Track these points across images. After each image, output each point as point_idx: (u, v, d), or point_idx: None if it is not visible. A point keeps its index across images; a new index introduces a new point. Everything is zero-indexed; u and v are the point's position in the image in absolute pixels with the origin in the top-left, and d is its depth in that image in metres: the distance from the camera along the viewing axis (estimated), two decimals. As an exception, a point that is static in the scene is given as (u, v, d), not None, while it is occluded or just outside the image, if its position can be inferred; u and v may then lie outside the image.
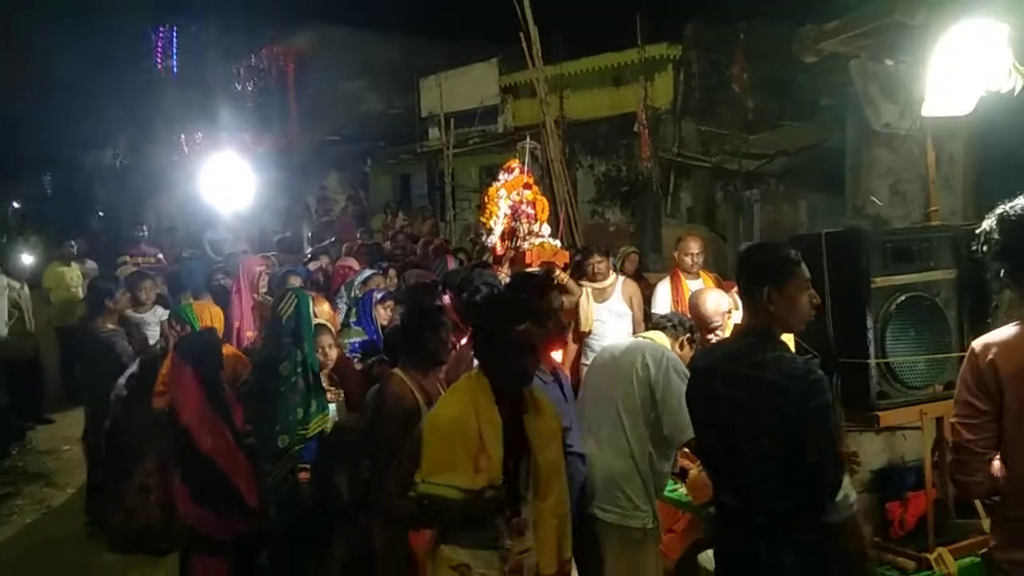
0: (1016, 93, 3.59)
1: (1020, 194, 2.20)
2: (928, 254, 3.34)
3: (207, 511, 4.01)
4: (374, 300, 5.24)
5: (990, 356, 2.25)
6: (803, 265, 2.51)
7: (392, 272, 6.66)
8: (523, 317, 2.70)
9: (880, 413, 3.19)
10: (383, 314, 5.20)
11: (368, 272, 6.36)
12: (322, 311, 4.82)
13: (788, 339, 3.06)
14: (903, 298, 3.23)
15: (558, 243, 6.13)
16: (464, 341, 3.93)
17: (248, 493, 3.99)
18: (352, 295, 5.70)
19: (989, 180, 7.27)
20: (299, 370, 4.04)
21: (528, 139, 7.05)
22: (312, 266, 7.69)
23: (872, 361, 3.17)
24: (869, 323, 3.18)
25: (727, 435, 2.50)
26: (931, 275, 3.32)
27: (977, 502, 3.29)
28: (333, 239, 11.47)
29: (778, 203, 10.59)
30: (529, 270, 5.34)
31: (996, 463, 2.28)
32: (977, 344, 2.31)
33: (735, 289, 4.35)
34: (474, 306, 4.16)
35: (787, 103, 12.23)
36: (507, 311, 2.76)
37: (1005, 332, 2.25)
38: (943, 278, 3.35)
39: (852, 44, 4.20)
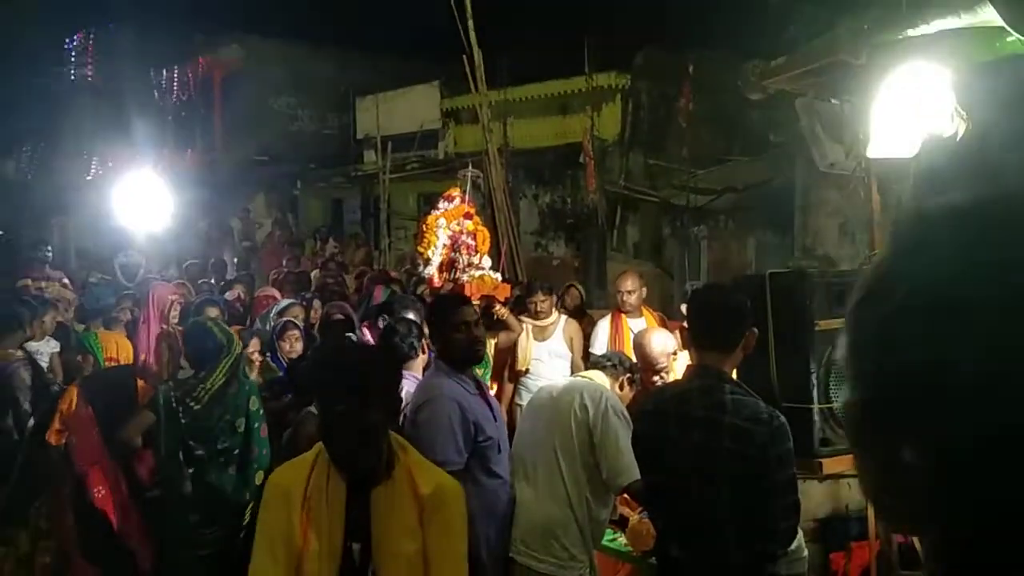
0: (959, 137, 3.79)
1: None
2: (872, 297, 3.45)
3: (95, 570, 3.86)
4: (275, 332, 5.18)
5: None
6: None
7: (317, 304, 6.57)
8: (328, 387, 2.23)
9: (823, 460, 3.27)
10: (285, 348, 5.13)
11: (286, 302, 6.25)
12: None
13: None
14: (847, 341, 3.33)
15: (499, 276, 6.16)
16: None
17: (142, 555, 3.84)
18: (268, 327, 5.61)
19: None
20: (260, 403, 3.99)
21: (470, 166, 7.09)
22: (229, 295, 7.54)
23: (816, 406, 3.26)
24: (813, 367, 3.27)
25: (679, 482, 2.52)
26: (875, 319, 3.44)
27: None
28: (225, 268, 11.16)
29: (726, 240, 10.86)
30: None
31: None
32: None
33: (678, 329, 4.45)
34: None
35: (736, 138, 12.61)
36: (314, 375, 2.40)
37: None
38: (887, 322, 3.47)
39: (798, 82, 4.38)
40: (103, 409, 3.97)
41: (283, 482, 2.29)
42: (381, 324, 4.93)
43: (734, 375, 2.79)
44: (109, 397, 4.03)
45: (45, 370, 5.55)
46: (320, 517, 2.19)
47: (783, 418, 2.42)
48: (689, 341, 2.70)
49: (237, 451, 3.88)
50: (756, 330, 2.60)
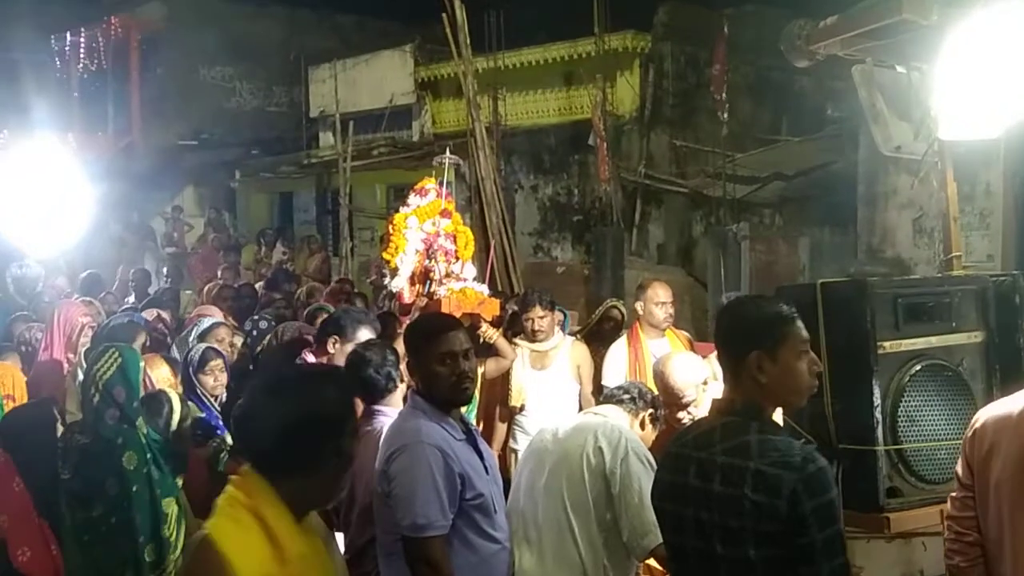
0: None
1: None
2: (949, 311, 3.50)
3: None
4: (191, 363, 5.19)
5: (977, 425, 2.61)
6: (799, 323, 2.60)
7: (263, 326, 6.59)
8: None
9: (891, 515, 3.30)
10: (208, 383, 5.16)
11: (208, 321, 6.25)
12: (160, 376, 4.76)
13: (777, 419, 3.17)
14: (919, 367, 3.38)
15: (485, 289, 6.19)
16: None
17: None
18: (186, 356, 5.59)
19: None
20: (148, 456, 3.98)
21: (450, 151, 7.13)
22: (148, 314, 7.53)
23: (880, 448, 3.29)
24: (876, 399, 3.31)
25: (701, 541, 2.56)
26: (953, 338, 3.48)
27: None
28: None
29: (772, 241, 10.89)
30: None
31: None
32: (981, 410, 2.65)
33: (713, 353, 4.49)
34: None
35: (785, 113, 12.69)
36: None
37: (1008, 403, 2.48)
38: (968, 342, 3.51)
39: (854, 46, 4.42)
40: (25, 456, 4.00)
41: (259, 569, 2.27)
42: (332, 347, 4.94)
43: (778, 412, 2.84)
44: (30, 440, 4.06)
45: None
46: None
47: (822, 462, 2.42)
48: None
49: (114, 520, 3.87)
50: (761, 354, 2.59)
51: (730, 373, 2.63)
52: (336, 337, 4.95)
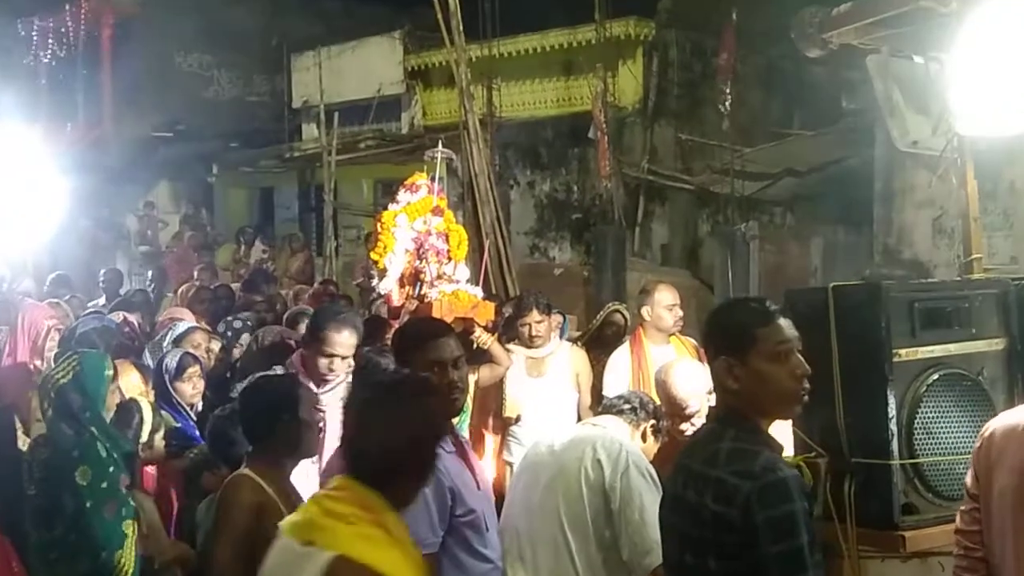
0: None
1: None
2: (969, 317, 3.50)
3: None
4: (167, 370, 5.18)
5: (987, 434, 2.80)
6: (777, 324, 2.59)
7: (246, 338, 6.58)
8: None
9: (906, 533, 3.29)
10: (187, 391, 5.15)
11: (184, 326, 6.23)
12: (130, 384, 4.75)
13: (786, 433, 3.18)
14: (936, 376, 3.38)
15: (479, 292, 6.19)
16: None
17: None
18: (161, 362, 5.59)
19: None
20: (111, 469, 3.96)
21: (441, 144, 7.13)
22: (115, 317, 7.52)
23: (895, 462, 3.30)
24: (891, 410, 3.31)
25: (678, 553, 2.61)
26: (973, 345, 3.48)
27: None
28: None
29: (783, 241, 10.92)
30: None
31: None
32: (992, 420, 2.85)
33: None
34: None
35: (797, 105, 12.71)
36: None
37: (1018, 412, 2.64)
38: (988, 349, 3.51)
39: (869, 34, 4.43)
40: None
41: None
42: (305, 349, 4.91)
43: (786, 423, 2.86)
44: None
45: None
46: None
47: (785, 473, 2.42)
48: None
49: (74, 538, 3.84)
50: (729, 359, 2.59)
51: (713, 380, 2.69)
52: (311, 336, 4.91)
